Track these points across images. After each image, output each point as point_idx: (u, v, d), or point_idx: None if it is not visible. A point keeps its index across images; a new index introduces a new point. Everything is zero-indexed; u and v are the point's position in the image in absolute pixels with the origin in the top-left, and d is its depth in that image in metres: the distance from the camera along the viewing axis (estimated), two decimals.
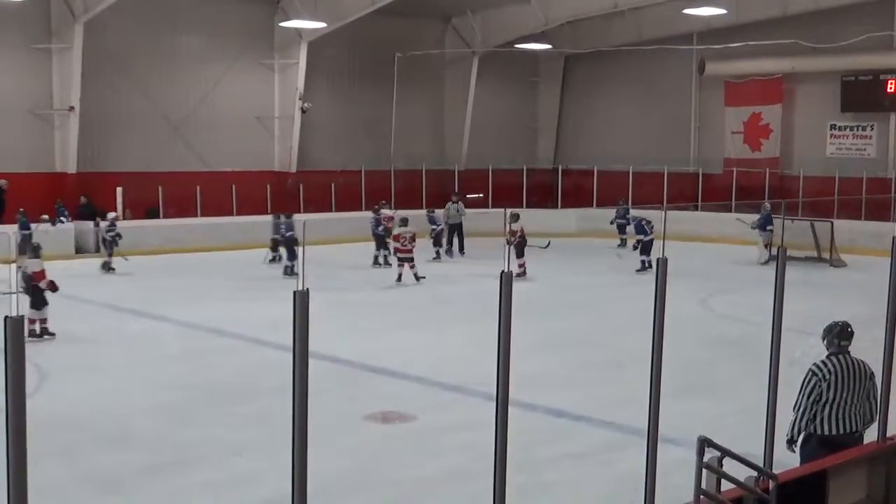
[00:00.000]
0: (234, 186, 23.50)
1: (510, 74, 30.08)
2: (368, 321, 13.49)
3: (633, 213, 18.11)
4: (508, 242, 16.97)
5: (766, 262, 19.40)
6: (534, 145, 31.24)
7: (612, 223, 21.77)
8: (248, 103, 25.26)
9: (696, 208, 25.00)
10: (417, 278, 16.55)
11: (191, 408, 8.96)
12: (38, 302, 11.71)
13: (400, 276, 16.59)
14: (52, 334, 11.82)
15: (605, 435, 8.22)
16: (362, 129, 27.21)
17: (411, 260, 16.59)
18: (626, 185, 26.29)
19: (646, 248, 17.91)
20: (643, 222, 18.05)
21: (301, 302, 3.25)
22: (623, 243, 18.64)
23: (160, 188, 22.38)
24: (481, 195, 26.43)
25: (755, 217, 20.39)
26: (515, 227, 17.79)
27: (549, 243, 18.23)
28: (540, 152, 31.15)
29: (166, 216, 22.48)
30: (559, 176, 28.30)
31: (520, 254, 17.34)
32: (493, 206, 25.42)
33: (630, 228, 20.73)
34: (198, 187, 22.84)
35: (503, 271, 3.63)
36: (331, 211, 24.69)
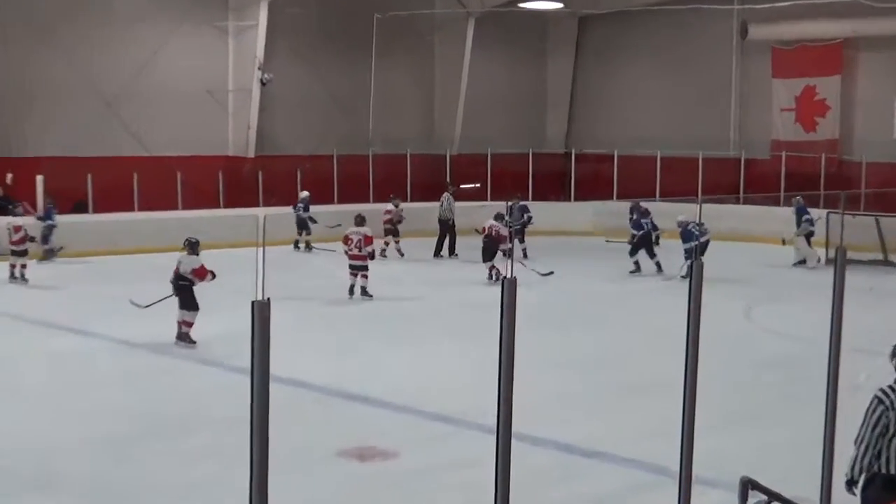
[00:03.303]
0: (179, 175, 23.46)
1: (513, 40, 30.14)
2: (342, 337, 13.48)
3: (682, 218, 18.08)
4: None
5: (801, 264, 19.74)
6: (542, 125, 31.31)
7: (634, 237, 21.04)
8: (196, 74, 25.24)
9: (737, 201, 25.04)
10: (365, 293, 16.13)
11: (129, 442, 8.95)
12: None
13: (351, 288, 16.21)
14: None
15: (627, 475, 8.22)
16: (334, 105, 27.21)
17: (364, 269, 16.26)
18: (652, 173, 26.35)
19: (700, 253, 17.79)
20: (690, 226, 17.89)
21: (260, 314, 3.26)
22: (632, 250, 18.78)
23: (89, 177, 22.29)
24: (478, 185, 26.44)
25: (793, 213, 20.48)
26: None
27: (551, 273, 18.11)
28: (549, 134, 31.21)
29: (97, 211, 22.41)
30: (572, 162, 28.38)
31: (489, 255, 17.80)
32: (493, 199, 25.44)
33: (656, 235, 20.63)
34: (135, 176, 22.78)
35: (505, 277, 3.65)
36: (296, 204, 24.64)
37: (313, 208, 22.25)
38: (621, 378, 11.32)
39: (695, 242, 17.61)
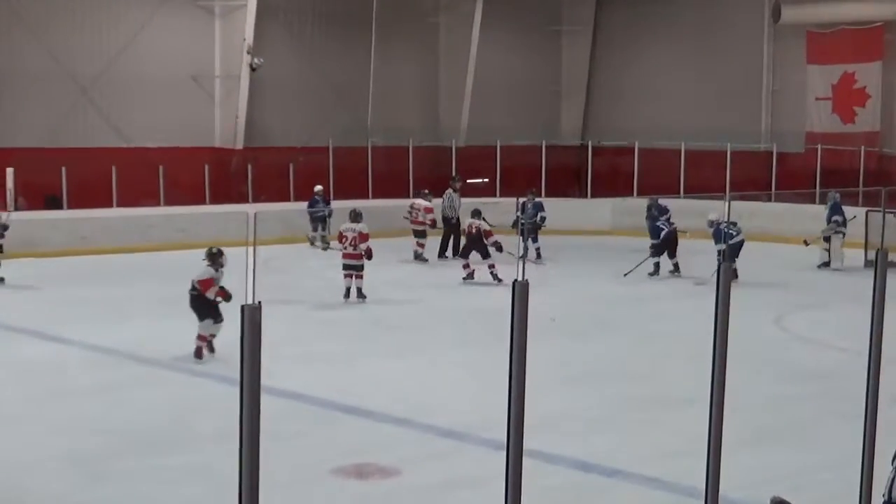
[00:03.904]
0: (161, 168, 23.50)
1: (525, 21, 30.16)
2: (340, 345, 13.49)
3: (713, 217, 18.10)
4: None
5: (824, 266, 19.81)
6: (556, 115, 31.32)
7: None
8: (179, 58, 25.27)
9: (768, 198, 25.03)
10: (360, 295, 16.19)
11: (106, 459, 8.94)
12: None
13: (347, 291, 16.23)
14: None
15: (648, 495, 8.21)
16: (330, 92, 27.23)
17: (359, 269, 16.28)
18: (676, 168, 26.35)
19: (731, 253, 17.79)
20: (721, 226, 17.88)
21: (251, 319, 3.27)
22: (656, 251, 18.78)
23: (63, 170, 22.36)
24: (486, 180, 26.44)
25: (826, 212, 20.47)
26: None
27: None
28: (564, 124, 31.22)
29: (72, 206, 22.46)
30: (589, 155, 28.36)
31: (484, 251, 18.07)
32: (503, 195, 25.47)
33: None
34: (113, 169, 22.83)
35: (516, 279, 3.66)
36: (289, 200, 24.75)
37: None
38: (642, 390, 11.31)
39: (723, 245, 17.61)
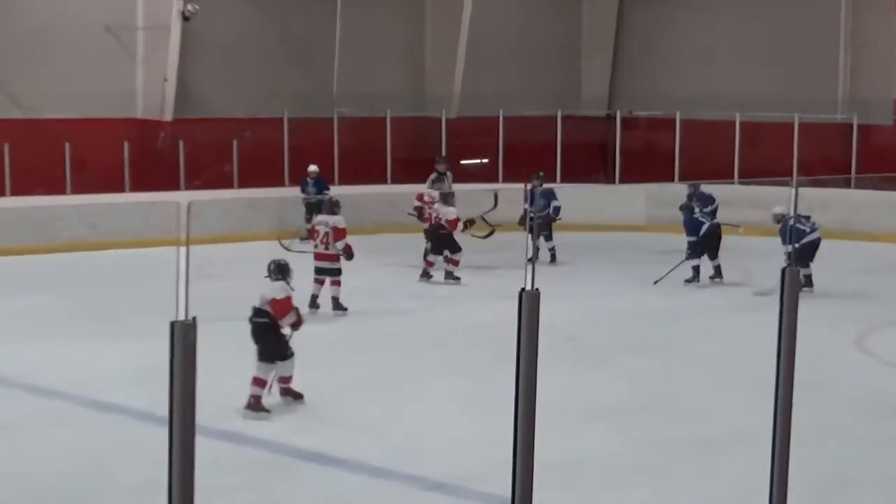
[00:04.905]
0: (67, 146, 23.47)
1: None
2: (298, 373, 13.42)
3: (780, 210, 18.12)
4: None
5: None
6: (575, 79, 31.30)
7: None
8: (91, 5, 25.21)
9: (847, 183, 25.07)
10: (337, 306, 16.42)
11: None
12: None
13: (313, 299, 16.37)
14: None
15: None
16: (286, 51, 27.19)
17: (334, 273, 16.43)
18: (728, 145, 26.36)
19: (803, 254, 17.77)
20: (793, 221, 17.86)
21: (183, 339, 3.27)
22: (694, 251, 18.87)
23: None
24: (485, 161, 26.44)
25: None
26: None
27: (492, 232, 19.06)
28: (586, 90, 31.21)
29: None
30: (617, 129, 28.39)
31: (452, 245, 18.80)
32: (505, 181, 25.47)
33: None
34: (6, 147, 22.86)
35: (523, 288, 3.67)
36: (231, 187, 24.86)
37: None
38: (684, 429, 11.29)
39: (792, 245, 17.58)
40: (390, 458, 10.33)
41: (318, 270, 16.48)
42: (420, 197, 20.86)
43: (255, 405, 11.53)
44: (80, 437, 11.05)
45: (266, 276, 12.19)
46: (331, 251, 16.34)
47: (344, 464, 10.23)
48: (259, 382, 11.63)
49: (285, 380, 11.89)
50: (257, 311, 11.93)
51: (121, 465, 9.85)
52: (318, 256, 16.51)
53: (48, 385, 12.65)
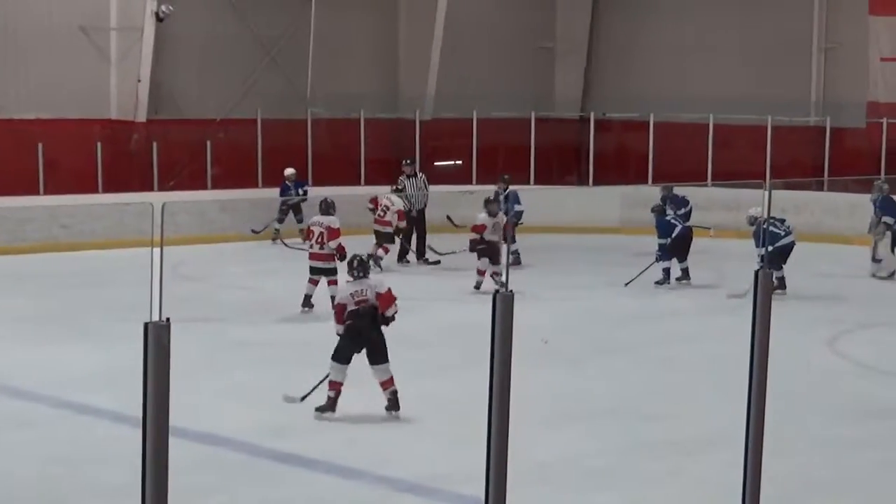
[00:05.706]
0: (40, 146, 23.34)
1: None
2: (272, 375, 13.41)
3: (754, 212, 18.13)
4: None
5: (891, 276, 19.92)
6: (549, 80, 31.29)
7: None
8: (64, 4, 25.10)
9: (820, 186, 25.13)
10: (307, 303, 16.72)
11: None
12: None
13: (307, 299, 16.68)
14: None
15: None
16: (260, 51, 27.13)
17: (329, 273, 16.38)
18: (702, 147, 26.41)
19: (776, 257, 17.81)
20: (766, 224, 17.91)
21: (157, 341, 3.26)
22: (665, 253, 18.92)
23: None
24: (459, 163, 26.41)
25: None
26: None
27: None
28: (559, 91, 31.21)
29: None
30: (591, 131, 28.38)
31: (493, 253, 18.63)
32: (479, 181, 25.45)
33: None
34: None
35: (497, 289, 3.67)
36: (205, 188, 24.79)
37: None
38: (657, 432, 11.30)
39: (766, 247, 17.63)
40: (362, 459, 10.31)
41: (313, 270, 16.59)
42: (374, 200, 21.04)
43: (331, 407, 11.65)
44: (51, 440, 11.01)
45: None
46: (325, 251, 16.42)
47: (315, 465, 10.23)
48: (387, 385, 11.69)
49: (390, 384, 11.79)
50: (359, 314, 11.96)
51: (94, 467, 9.80)
52: (312, 256, 16.61)
53: (19, 386, 12.59)
